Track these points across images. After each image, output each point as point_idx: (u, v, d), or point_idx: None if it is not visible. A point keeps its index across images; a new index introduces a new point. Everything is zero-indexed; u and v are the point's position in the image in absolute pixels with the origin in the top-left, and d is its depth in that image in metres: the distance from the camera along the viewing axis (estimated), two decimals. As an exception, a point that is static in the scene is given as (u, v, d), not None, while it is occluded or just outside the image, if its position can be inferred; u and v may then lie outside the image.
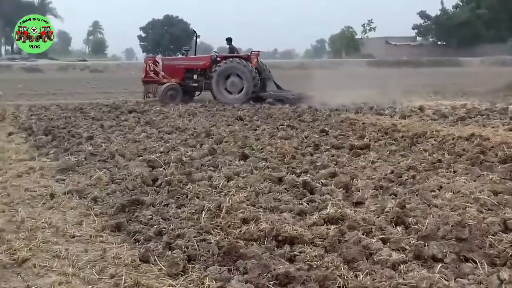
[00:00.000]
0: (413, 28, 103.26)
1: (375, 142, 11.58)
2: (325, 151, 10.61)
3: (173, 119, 16.13)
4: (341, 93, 22.71)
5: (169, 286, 4.69)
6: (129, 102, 21.24)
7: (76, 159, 9.89)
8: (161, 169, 8.93)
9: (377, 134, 12.72)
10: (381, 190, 7.53)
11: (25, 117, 16.82)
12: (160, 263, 5.10)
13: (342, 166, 9.23)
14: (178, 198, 7.29)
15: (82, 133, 13.23)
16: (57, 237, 5.92)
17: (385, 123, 14.72)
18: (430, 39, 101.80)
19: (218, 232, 5.84)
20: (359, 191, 7.46)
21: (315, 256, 5.15)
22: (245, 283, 4.60)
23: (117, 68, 60.74)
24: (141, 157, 9.97)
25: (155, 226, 6.06)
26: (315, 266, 4.93)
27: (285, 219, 6.14)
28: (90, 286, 4.69)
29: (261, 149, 10.85)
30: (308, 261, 5.04)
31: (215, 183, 7.95)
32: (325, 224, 6.02)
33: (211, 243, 5.47)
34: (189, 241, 5.53)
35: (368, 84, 27.55)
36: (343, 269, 4.82)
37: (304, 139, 12.05)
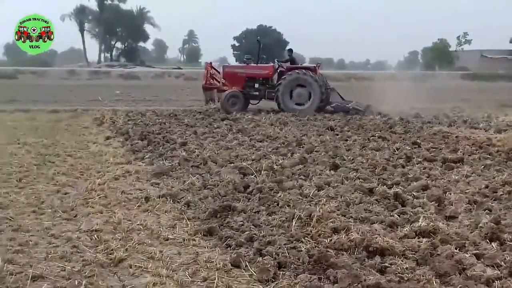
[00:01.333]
0: (510, 42, 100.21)
1: (469, 156, 11.31)
2: (417, 164, 10.43)
3: (265, 128, 16.20)
4: (433, 106, 22.28)
5: (259, 292, 4.73)
6: (222, 110, 21.41)
7: (170, 164, 10.06)
8: (253, 176, 8.98)
9: (471, 148, 12.45)
10: (475, 205, 7.35)
11: (122, 122, 17.25)
12: (251, 269, 5.14)
13: (434, 179, 9.06)
14: (269, 205, 7.30)
15: (176, 139, 13.45)
16: (152, 239, 6.05)
17: (480, 137, 14.41)
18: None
19: (308, 241, 5.83)
20: (452, 205, 7.32)
21: (406, 268, 5.08)
22: (336, 293, 4.59)
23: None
24: (232, 164, 10.06)
25: (246, 232, 6.10)
26: (406, 278, 4.87)
27: (376, 230, 6.08)
28: (182, 288, 4.77)
29: (352, 159, 10.76)
30: (399, 273, 4.98)
31: (306, 192, 7.93)
32: (416, 237, 5.93)
33: (301, 251, 5.46)
34: (279, 248, 5.55)
35: (463, 97, 26.84)
36: (435, 283, 4.75)
37: (395, 151, 11.88)
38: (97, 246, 5.77)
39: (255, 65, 23.74)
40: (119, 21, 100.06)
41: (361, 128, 16.34)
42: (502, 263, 5.21)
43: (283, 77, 21.87)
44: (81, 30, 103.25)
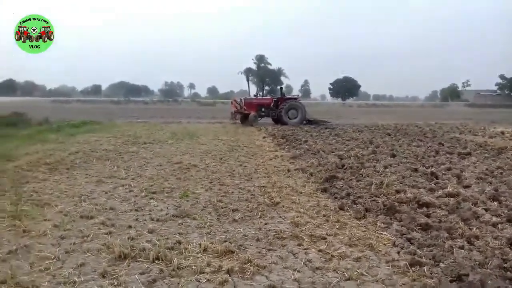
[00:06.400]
0: (495, 85, 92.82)
1: (474, 151, 10.45)
2: (442, 155, 9.77)
3: (350, 133, 15.68)
4: (448, 122, 20.75)
5: (355, 224, 4.61)
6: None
7: (299, 152, 10.00)
8: (346, 159, 8.76)
9: (475, 146, 11.49)
10: (480, 180, 6.79)
11: (271, 129, 17.32)
12: (350, 211, 5.02)
13: (454, 164, 8.45)
14: (357, 176, 7.09)
15: (302, 138, 13.26)
16: (293, 192, 6.05)
17: (479, 140, 13.28)
18: (506, 92, 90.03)
19: (382, 197, 5.62)
20: (466, 179, 6.78)
21: (443, 215, 4.76)
22: (401, 226, 4.39)
23: (315, 105, 60.63)
24: (334, 153, 9.83)
25: (345, 191, 5.95)
26: (443, 220, 4.56)
27: (422, 192, 5.75)
28: (312, 219, 4.73)
29: (403, 152, 10.22)
30: (439, 218, 4.68)
31: (378, 169, 7.64)
32: (446, 197, 5.54)
33: (378, 202, 5.27)
34: (365, 200, 5.39)
35: (466, 117, 24.83)
36: (461, 223, 4.40)
37: (428, 147, 11.18)
38: (264, 195, 5.85)
39: (261, 97, 22.79)
40: (267, 74, 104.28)
41: (406, 134, 15.51)
42: (502, 214, 4.79)
43: (284, 103, 20.76)
44: (247, 79, 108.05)
